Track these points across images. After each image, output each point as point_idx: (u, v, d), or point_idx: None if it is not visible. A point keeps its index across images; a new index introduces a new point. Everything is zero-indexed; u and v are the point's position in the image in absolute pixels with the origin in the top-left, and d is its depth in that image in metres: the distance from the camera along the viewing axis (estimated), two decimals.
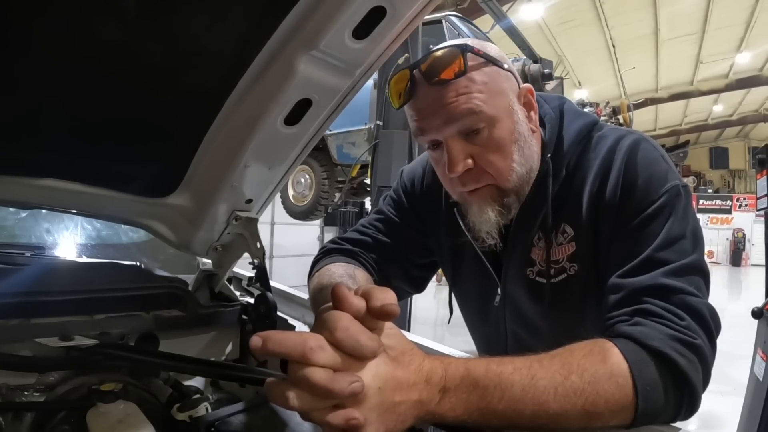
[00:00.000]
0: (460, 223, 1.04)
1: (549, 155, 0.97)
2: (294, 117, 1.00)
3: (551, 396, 0.66)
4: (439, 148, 0.94)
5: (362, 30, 0.87)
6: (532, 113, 0.98)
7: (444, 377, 0.62)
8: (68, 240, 1.75)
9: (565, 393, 0.66)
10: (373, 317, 0.57)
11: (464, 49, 0.89)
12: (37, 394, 0.92)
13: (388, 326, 0.61)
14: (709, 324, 0.78)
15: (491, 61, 0.92)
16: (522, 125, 0.95)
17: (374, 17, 0.85)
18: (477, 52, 0.90)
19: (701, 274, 0.83)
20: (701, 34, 12.97)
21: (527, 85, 0.97)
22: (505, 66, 0.94)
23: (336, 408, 0.54)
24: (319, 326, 0.56)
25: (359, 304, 0.57)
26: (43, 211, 1.54)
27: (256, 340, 0.52)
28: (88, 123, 0.97)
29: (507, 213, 0.96)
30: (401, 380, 0.58)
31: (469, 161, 0.91)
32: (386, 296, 0.57)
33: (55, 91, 0.88)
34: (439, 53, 0.90)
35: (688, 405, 0.74)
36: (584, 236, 0.94)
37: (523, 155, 0.95)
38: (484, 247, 1.03)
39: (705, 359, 0.75)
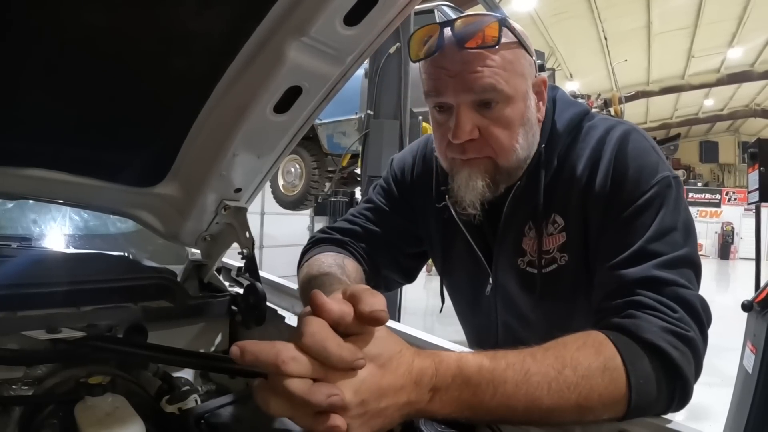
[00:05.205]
0: (451, 208, 1.03)
1: (543, 145, 0.97)
2: (284, 105, 0.98)
3: (545, 392, 0.65)
4: (446, 112, 0.93)
5: (353, 17, 0.85)
6: (540, 104, 0.98)
7: (435, 377, 0.61)
8: (55, 231, 1.72)
9: (559, 388, 0.66)
10: (360, 322, 0.56)
11: (503, 22, 0.87)
12: (25, 387, 0.91)
13: (377, 329, 0.59)
14: (701, 316, 0.78)
15: (521, 43, 0.91)
16: (531, 112, 0.95)
17: (366, 4, 0.83)
18: (512, 30, 0.90)
19: (693, 266, 0.83)
20: (693, 28, 13.00)
21: (543, 75, 0.97)
22: (531, 54, 0.94)
23: (319, 413, 0.53)
24: (293, 333, 0.56)
25: (339, 311, 0.55)
26: (30, 201, 1.52)
27: (235, 350, 0.52)
28: (74, 111, 0.95)
29: (494, 189, 0.96)
30: (388, 387, 0.57)
31: (476, 132, 0.91)
32: (376, 301, 0.56)
33: (39, 78, 0.86)
34: (477, 18, 0.87)
35: (680, 398, 0.74)
36: (574, 226, 0.94)
37: (527, 140, 0.95)
38: (472, 224, 1.03)
39: (697, 352, 0.75)
